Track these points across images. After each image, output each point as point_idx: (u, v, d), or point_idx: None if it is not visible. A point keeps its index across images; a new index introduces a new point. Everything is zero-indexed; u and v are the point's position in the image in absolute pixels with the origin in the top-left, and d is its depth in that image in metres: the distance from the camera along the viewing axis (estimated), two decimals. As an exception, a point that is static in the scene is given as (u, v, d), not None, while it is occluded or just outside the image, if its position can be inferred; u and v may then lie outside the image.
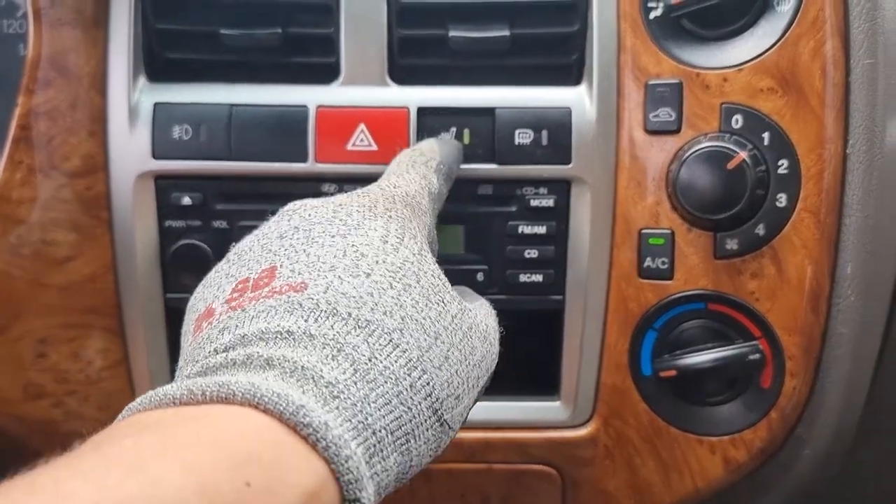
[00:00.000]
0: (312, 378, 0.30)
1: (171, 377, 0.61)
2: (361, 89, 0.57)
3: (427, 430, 0.33)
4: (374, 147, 0.57)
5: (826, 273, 0.56)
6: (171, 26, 0.58)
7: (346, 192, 0.57)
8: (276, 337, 0.32)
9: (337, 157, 0.57)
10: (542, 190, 0.57)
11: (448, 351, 0.35)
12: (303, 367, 0.30)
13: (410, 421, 0.32)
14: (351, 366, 0.31)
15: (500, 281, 0.59)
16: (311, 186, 0.58)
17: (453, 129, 0.56)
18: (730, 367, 0.56)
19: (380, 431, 0.31)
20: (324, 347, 0.32)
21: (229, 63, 0.58)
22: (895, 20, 0.56)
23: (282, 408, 0.28)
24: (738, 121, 0.55)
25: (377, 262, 0.36)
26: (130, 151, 0.57)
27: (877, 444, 0.68)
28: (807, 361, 0.57)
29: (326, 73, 0.58)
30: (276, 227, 0.40)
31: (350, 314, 0.33)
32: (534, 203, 0.57)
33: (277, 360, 0.31)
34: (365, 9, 0.57)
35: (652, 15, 0.56)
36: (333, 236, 0.38)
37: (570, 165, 0.57)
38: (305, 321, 0.33)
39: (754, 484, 0.62)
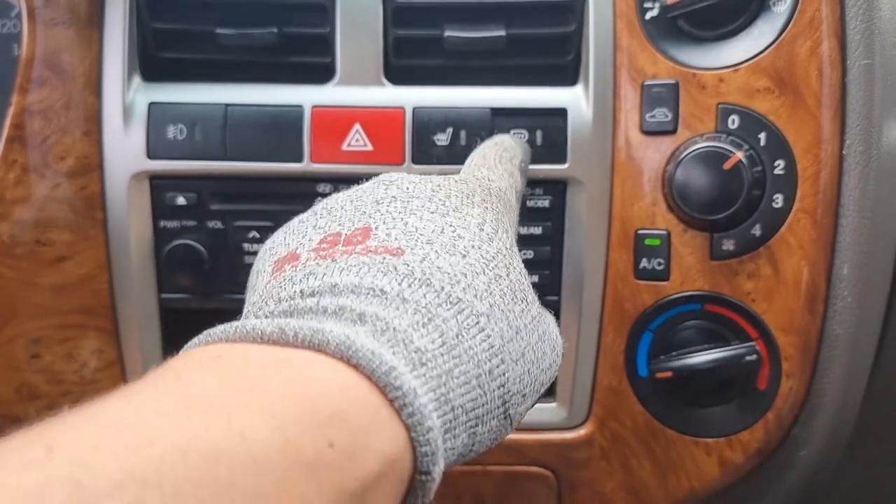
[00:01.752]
0: (403, 342, 0.30)
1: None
2: (357, 89, 0.57)
3: (494, 418, 0.33)
4: (370, 147, 0.56)
5: (822, 274, 0.56)
6: (166, 25, 0.57)
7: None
8: (369, 293, 0.32)
9: (332, 158, 0.57)
10: (538, 190, 0.57)
11: (524, 349, 0.35)
12: (394, 328, 0.30)
13: (483, 406, 0.32)
14: (440, 337, 0.31)
15: (495, 281, 0.59)
16: (307, 186, 0.58)
17: (524, 133, 0.56)
18: (726, 369, 0.56)
19: (457, 409, 0.30)
20: (415, 313, 0.31)
21: (224, 63, 0.58)
22: (892, 20, 0.56)
23: (374, 366, 0.28)
24: (734, 121, 0.55)
25: (473, 246, 0.36)
26: (125, 151, 0.57)
27: (874, 445, 0.68)
28: (803, 362, 0.57)
29: (322, 73, 0.58)
30: (371, 192, 0.40)
31: (443, 288, 0.33)
32: (529, 203, 0.57)
33: (370, 316, 0.30)
34: (360, 8, 0.57)
35: (648, 15, 0.56)
36: (433, 213, 0.38)
37: (565, 166, 0.56)
38: (399, 284, 0.32)
39: (750, 485, 0.62)
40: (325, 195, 0.58)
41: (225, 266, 0.58)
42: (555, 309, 0.59)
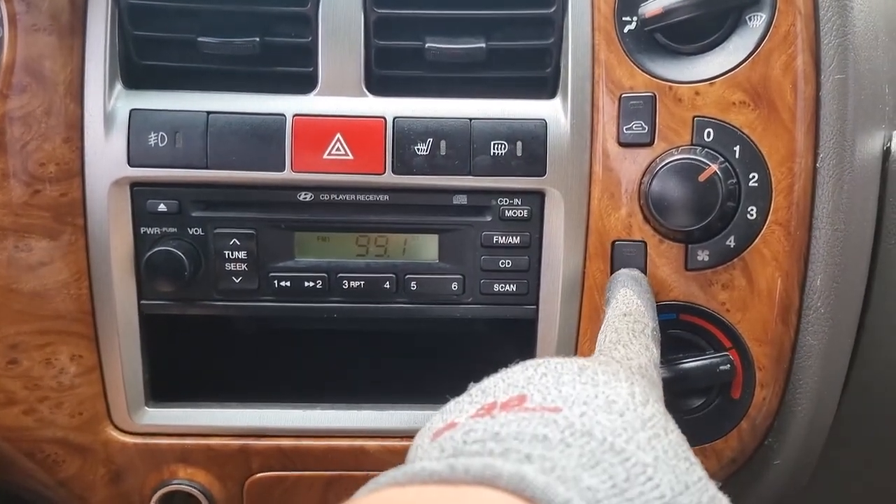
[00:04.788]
0: (573, 479, 0.29)
1: (145, 384, 0.61)
2: (338, 99, 0.58)
3: None
4: (351, 157, 0.57)
5: (796, 285, 0.57)
6: (148, 33, 0.58)
7: (322, 200, 0.58)
8: (532, 439, 0.32)
9: (314, 167, 0.57)
10: (517, 201, 0.58)
11: None
12: (563, 466, 0.29)
13: None
14: (609, 479, 0.30)
15: (474, 290, 0.59)
16: (288, 195, 0.58)
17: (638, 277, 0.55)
18: (700, 378, 0.57)
19: None
20: (580, 456, 0.31)
21: (206, 71, 0.58)
22: (865, 36, 0.57)
23: (549, 498, 0.27)
24: (709, 134, 0.56)
25: (628, 408, 0.36)
26: (106, 158, 0.57)
27: (847, 454, 0.69)
28: (777, 372, 0.58)
29: (304, 83, 0.58)
30: (520, 371, 0.41)
31: (605, 438, 0.32)
32: (508, 213, 0.58)
33: (537, 457, 0.30)
34: (343, 19, 0.57)
35: (626, 29, 0.57)
36: (584, 383, 0.38)
37: (544, 177, 0.57)
38: (561, 433, 0.32)
39: (725, 494, 0.63)
40: (306, 203, 0.58)
41: (205, 273, 0.59)
42: (532, 317, 0.60)
